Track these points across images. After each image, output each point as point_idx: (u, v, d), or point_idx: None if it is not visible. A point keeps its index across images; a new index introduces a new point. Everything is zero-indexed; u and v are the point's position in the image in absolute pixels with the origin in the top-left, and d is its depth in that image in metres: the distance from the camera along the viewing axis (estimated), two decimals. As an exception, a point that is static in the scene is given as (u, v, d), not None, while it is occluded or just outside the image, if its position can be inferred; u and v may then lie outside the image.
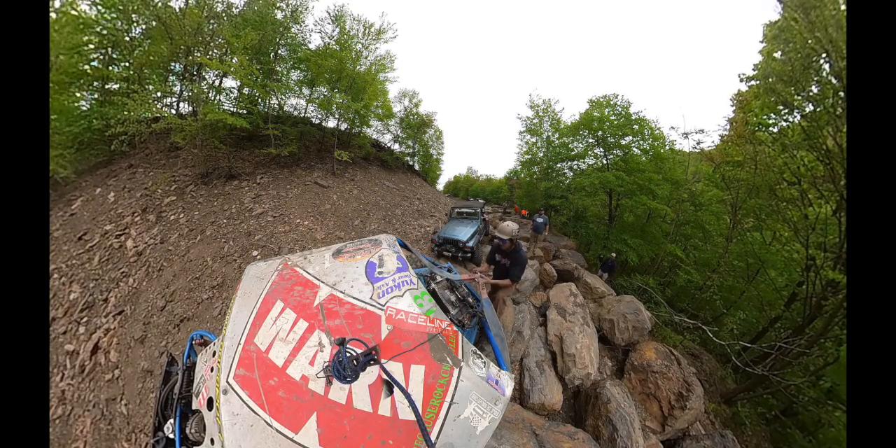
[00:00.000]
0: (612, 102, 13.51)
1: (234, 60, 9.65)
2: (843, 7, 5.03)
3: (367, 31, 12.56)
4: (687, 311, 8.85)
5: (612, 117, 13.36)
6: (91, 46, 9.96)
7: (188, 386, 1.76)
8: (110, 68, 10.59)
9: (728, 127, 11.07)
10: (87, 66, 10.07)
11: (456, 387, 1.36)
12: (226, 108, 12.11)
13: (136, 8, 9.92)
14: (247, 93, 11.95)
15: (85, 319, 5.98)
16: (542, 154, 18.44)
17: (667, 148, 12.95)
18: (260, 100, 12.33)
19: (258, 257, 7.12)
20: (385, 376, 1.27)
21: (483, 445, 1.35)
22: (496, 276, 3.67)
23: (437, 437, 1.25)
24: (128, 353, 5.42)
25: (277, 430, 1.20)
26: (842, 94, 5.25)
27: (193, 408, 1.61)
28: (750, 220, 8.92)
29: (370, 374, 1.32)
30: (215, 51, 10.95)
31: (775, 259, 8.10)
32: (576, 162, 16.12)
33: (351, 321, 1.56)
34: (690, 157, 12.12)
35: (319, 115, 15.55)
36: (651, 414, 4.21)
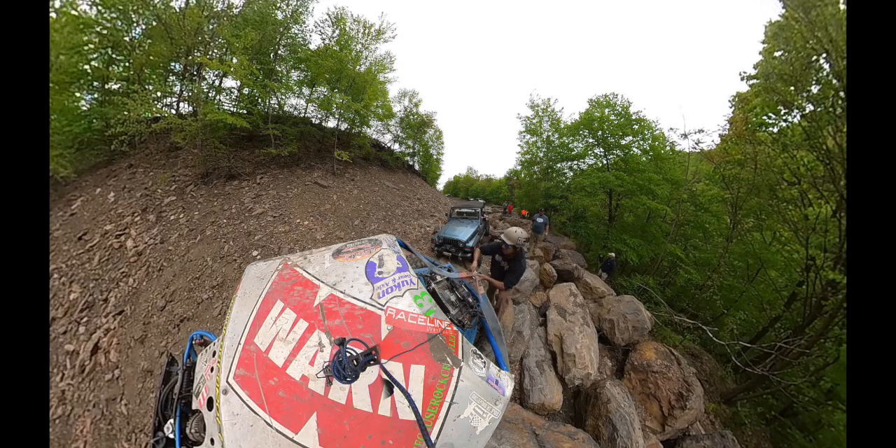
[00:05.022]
0: (611, 102, 13.51)
1: (234, 60, 9.66)
2: (843, 7, 5.03)
3: (366, 31, 12.57)
4: (687, 311, 8.85)
5: (612, 117, 13.36)
6: (91, 46, 9.95)
7: (188, 386, 1.76)
8: (110, 68, 10.59)
9: (728, 127, 11.07)
10: (87, 66, 10.07)
11: (456, 387, 1.36)
12: (226, 108, 12.11)
13: (136, 8, 9.92)
14: (247, 93, 11.94)
15: (85, 319, 5.98)
16: (542, 154, 18.44)
17: (667, 148, 12.95)
18: (260, 100, 12.33)
19: (258, 257, 7.12)
20: (385, 376, 1.27)
21: (483, 445, 1.35)
22: (493, 275, 3.68)
23: (437, 437, 1.25)
24: (128, 353, 5.42)
25: (277, 430, 1.20)
26: (842, 94, 5.25)
27: (193, 408, 1.61)
28: (750, 221, 8.91)
29: (370, 374, 1.32)
30: (215, 51, 10.96)
31: (775, 259, 8.10)
32: (576, 162, 16.13)
33: (351, 321, 1.56)
34: (690, 157, 12.11)
35: (319, 115, 15.56)
36: (651, 414, 4.21)
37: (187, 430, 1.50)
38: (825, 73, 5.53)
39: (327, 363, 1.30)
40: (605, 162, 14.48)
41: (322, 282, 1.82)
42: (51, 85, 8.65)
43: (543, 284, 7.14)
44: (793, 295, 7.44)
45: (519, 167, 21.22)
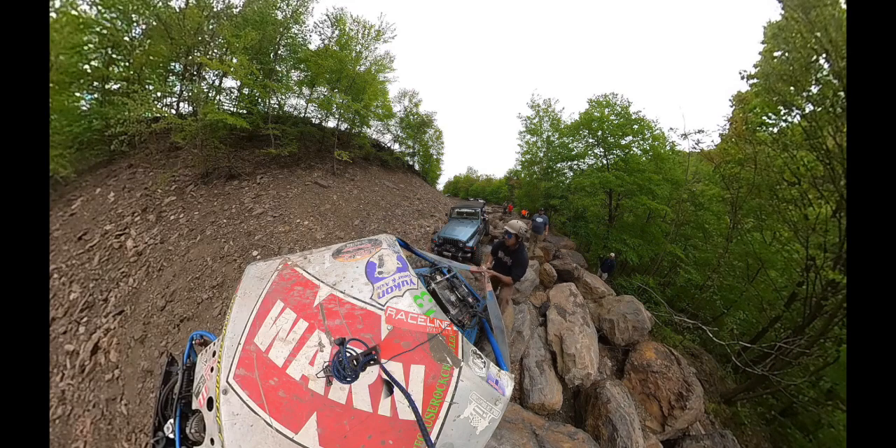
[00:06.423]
0: (611, 102, 13.51)
1: (234, 60, 9.66)
2: (844, 7, 5.03)
3: (366, 31, 12.59)
4: (687, 311, 8.85)
5: (612, 117, 13.36)
6: (91, 46, 9.96)
7: (188, 386, 1.76)
8: (110, 68, 10.59)
9: (728, 126, 11.07)
10: (87, 66, 10.07)
11: (456, 387, 1.36)
12: (226, 107, 12.13)
13: (136, 8, 9.92)
14: (247, 93, 11.95)
15: (85, 319, 5.98)
16: (542, 154, 18.44)
17: (667, 148, 12.95)
18: (260, 100, 12.34)
19: (258, 257, 7.12)
20: (385, 376, 1.26)
21: (483, 445, 1.35)
22: (497, 272, 3.71)
23: (437, 437, 1.25)
24: (128, 353, 5.42)
25: (277, 430, 1.20)
26: (842, 94, 5.25)
27: (193, 408, 1.61)
28: (750, 220, 8.91)
29: (370, 374, 1.32)
30: (215, 51, 10.96)
31: (775, 259, 8.10)
32: (576, 162, 16.12)
33: (351, 321, 1.56)
34: (690, 157, 12.11)
35: (319, 115, 15.58)
36: (651, 414, 4.21)
37: (187, 430, 1.49)
38: (825, 73, 5.53)
39: (327, 363, 1.30)
40: (605, 162, 14.47)
41: (322, 282, 1.82)
42: (51, 85, 8.65)
43: (543, 284, 7.13)
44: (793, 295, 7.44)
45: (519, 167, 21.22)
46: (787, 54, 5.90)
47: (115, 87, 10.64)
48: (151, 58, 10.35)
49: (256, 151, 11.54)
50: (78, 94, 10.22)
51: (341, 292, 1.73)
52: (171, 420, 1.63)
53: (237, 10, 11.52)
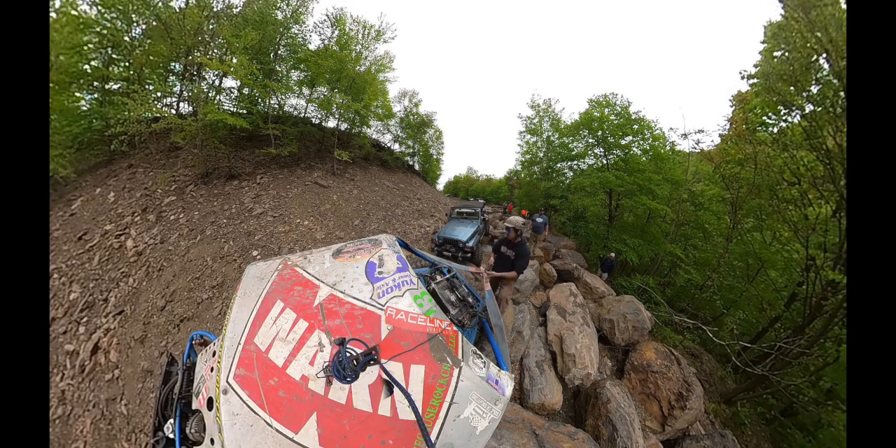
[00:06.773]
0: (611, 102, 13.51)
1: (234, 60, 9.66)
2: (844, 7, 5.04)
3: (366, 32, 12.59)
4: (687, 311, 8.85)
5: (612, 117, 13.35)
6: (91, 46, 9.96)
7: (188, 386, 1.76)
8: (110, 68, 10.59)
9: (728, 126, 11.05)
10: (87, 66, 10.07)
11: (456, 387, 1.36)
12: (226, 107, 12.11)
13: (136, 8, 9.92)
14: (247, 93, 11.95)
15: (85, 319, 5.98)
16: (542, 154, 18.42)
17: (667, 148, 12.94)
18: (260, 100, 12.34)
19: (258, 257, 7.12)
20: (385, 376, 1.27)
21: (483, 445, 1.35)
22: (497, 268, 3.73)
23: (437, 437, 1.25)
24: (128, 353, 5.42)
25: (277, 430, 1.20)
26: (842, 94, 5.25)
27: (193, 408, 1.61)
28: (750, 220, 8.91)
29: (370, 374, 1.32)
30: (215, 51, 10.96)
31: (775, 259, 8.10)
32: (576, 162, 16.10)
33: (351, 321, 1.56)
34: (690, 157, 12.10)
35: (319, 115, 15.57)
36: (651, 414, 4.21)
37: (187, 430, 1.50)
38: (825, 73, 5.53)
39: (327, 363, 1.30)
40: (605, 162, 14.46)
41: (322, 282, 1.82)
42: (51, 85, 8.65)
43: (543, 284, 7.13)
44: (793, 295, 7.44)
45: (519, 167, 21.19)
46: (787, 54, 5.90)
47: (115, 87, 10.64)
48: (151, 58, 10.34)
49: (256, 151, 11.54)
50: (78, 94, 10.21)
51: (341, 292, 1.73)
52: (171, 420, 1.63)
53: (237, 10, 11.52)
